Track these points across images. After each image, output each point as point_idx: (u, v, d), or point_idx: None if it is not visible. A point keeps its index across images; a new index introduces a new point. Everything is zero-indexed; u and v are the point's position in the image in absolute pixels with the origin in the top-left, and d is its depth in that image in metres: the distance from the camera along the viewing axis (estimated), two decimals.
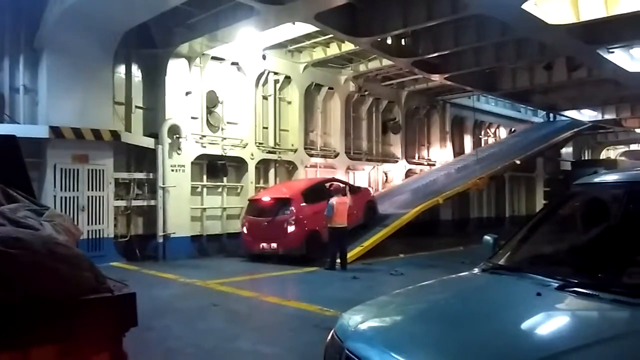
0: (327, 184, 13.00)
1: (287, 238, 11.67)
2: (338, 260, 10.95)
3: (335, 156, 17.72)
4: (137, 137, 12.66)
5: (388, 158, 20.03)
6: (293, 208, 11.81)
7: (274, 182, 15.82)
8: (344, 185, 12.67)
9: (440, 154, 22.07)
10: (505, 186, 24.42)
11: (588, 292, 2.31)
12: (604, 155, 34.58)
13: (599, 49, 12.02)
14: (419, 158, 21.43)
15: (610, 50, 12.38)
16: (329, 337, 2.77)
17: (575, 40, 11.21)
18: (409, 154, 20.66)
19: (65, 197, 11.22)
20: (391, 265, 11.35)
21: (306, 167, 16.61)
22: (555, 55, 14.59)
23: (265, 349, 5.55)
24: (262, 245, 11.93)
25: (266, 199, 12.66)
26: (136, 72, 13.05)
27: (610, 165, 23.44)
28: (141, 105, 13.07)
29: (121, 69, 12.76)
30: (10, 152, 3.53)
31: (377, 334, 2.48)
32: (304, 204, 11.98)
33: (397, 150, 20.23)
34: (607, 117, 23.25)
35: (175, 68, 12.96)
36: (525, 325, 2.23)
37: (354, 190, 13.34)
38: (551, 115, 26.19)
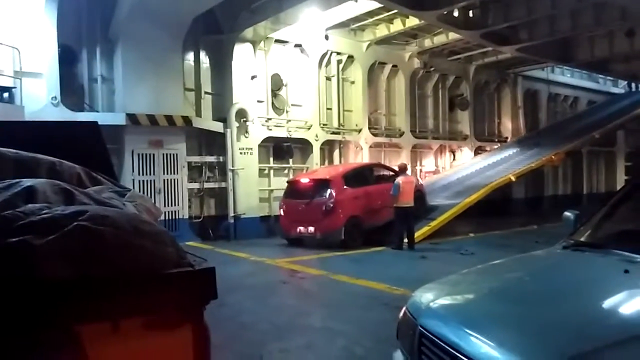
0: (371, 168, 12.77)
1: (325, 222, 11.11)
2: (405, 240, 10.85)
3: (401, 135, 17.45)
4: (207, 122, 13.07)
5: (455, 136, 19.47)
6: (333, 191, 11.28)
7: (340, 162, 15.85)
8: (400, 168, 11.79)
9: (512, 129, 21.12)
10: (582, 162, 23.08)
11: None
12: None
13: None
14: (488, 135, 20.66)
15: None
16: (402, 314, 2.77)
17: None
18: (477, 131, 19.96)
19: (143, 181, 11.80)
20: (460, 244, 11.09)
21: (370, 147, 16.49)
22: (638, 20, 13.48)
23: (336, 325, 5.62)
24: (299, 229, 11.43)
25: (305, 180, 12.16)
26: (204, 59, 13.43)
27: None
28: (210, 90, 13.47)
29: (190, 56, 13.16)
30: (93, 138, 3.72)
31: (451, 311, 2.45)
32: (345, 187, 11.47)
33: (465, 127, 19.60)
34: None
35: (241, 53, 13.21)
36: (611, 303, 2.12)
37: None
38: (633, 85, 24.33)
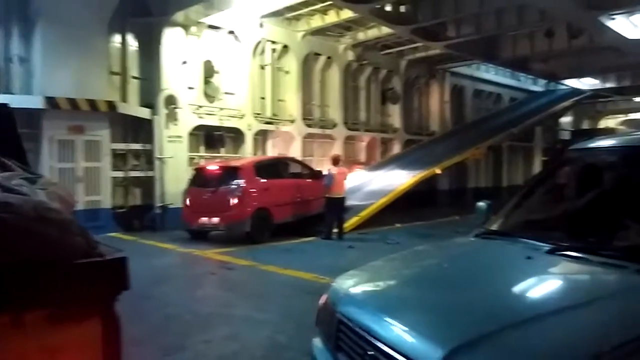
0: (286, 162, 12.68)
1: (230, 212, 10.41)
2: (335, 230, 11.01)
3: (334, 127, 17.63)
4: (134, 108, 12.56)
5: (387, 129, 19.93)
6: (242, 179, 10.63)
7: (272, 153, 15.80)
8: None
9: (439, 123, 21.89)
10: (503, 156, 24.37)
11: (578, 255, 2.32)
12: (603, 124, 34.44)
13: (600, 16, 11.85)
14: (417, 128, 21.31)
15: (612, 16, 12.19)
16: (322, 302, 2.81)
17: (576, 5, 11.03)
18: (407, 125, 20.53)
19: (62, 168, 11.18)
20: (387, 234, 11.41)
21: (304, 138, 16.55)
22: (556, 21, 14.38)
23: (259, 315, 5.63)
24: (202, 220, 10.65)
25: (213, 168, 11.49)
26: (132, 42, 12.86)
27: (610, 134, 23.35)
28: (137, 75, 12.93)
29: (117, 39, 12.57)
30: (4, 121, 3.48)
31: (368, 298, 2.51)
32: (256, 177, 10.90)
33: (395, 120, 20.10)
34: (607, 85, 23.10)
35: (171, 37, 12.79)
36: (514, 287, 2.26)
37: (315, 175, 12.39)
38: (551, 84, 25.96)
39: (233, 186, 10.59)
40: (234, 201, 10.45)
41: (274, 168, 11.92)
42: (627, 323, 1.75)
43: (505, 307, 2.05)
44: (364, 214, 12.65)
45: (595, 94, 24.84)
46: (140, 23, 12.72)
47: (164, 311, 5.89)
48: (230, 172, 10.95)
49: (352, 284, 2.65)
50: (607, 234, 2.46)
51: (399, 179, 14.93)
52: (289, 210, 11.34)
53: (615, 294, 1.96)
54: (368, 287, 2.63)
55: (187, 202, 11.14)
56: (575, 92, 24.60)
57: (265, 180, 11.05)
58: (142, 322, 5.49)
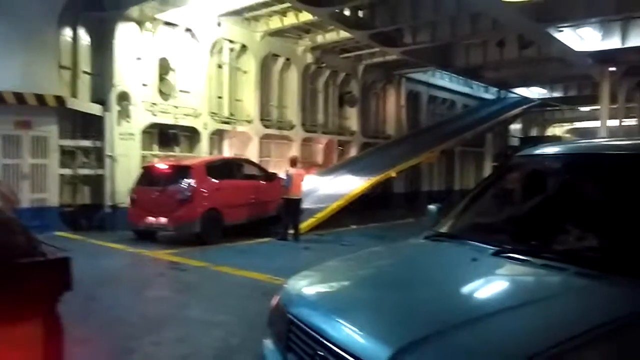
0: (239, 163, 12.46)
1: (179, 212, 10.05)
2: (291, 231, 11.01)
3: (291, 128, 17.62)
4: (84, 104, 12.14)
5: (344, 131, 20.08)
6: (192, 179, 10.31)
7: (228, 153, 15.64)
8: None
9: (395, 128, 22.24)
10: (455, 160, 25.02)
11: (521, 257, 2.41)
12: (550, 132, 35.94)
13: (548, 28, 12.37)
14: (374, 132, 21.58)
15: (559, 29, 12.75)
16: (274, 303, 2.80)
17: (526, 18, 11.48)
18: (364, 128, 20.76)
19: (6, 165, 10.74)
20: (343, 236, 11.51)
21: (261, 138, 16.47)
22: (508, 32, 14.91)
23: (213, 317, 5.55)
24: (150, 220, 10.26)
25: (162, 166, 11.14)
26: (84, 36, 12.41)
27: (556, 141, 24.41)
28: (89, 70, 12.49)
29: (68, 32, 12.10)
30: None
31: (319, 299, 2.52)
32: (207, 177, 10.64)
33: (353, 124, 20.29)
34: (554, 95, 24.12)
35: (125, 33, 12.44)
36: (459, 288, 2.32)
37: (270, 177, 12.21)
38: (502, 92, 26.89)
39: (183, 185, 10.28)
40: (183, 201, 10.13)
41: (227, 168, 11.64)
42: (564, 323, 1.82)
43: (450, 308, 2.11)
44: (320, 215, 12.72)
45: (544, 102, 25.93)
46: (93, 17, 12.31)
47: (110, 313, 5.73)
48: (180, 171, 10.62)
49: (303, 285, 2.66)
50: (549, 237, 2.57)
51: (355, 182, 15.06)
52: (241, 212, 11.08)
53: (555, 295, 2.05)
54: (319, 288, 2.64)
55: (134, 201, 10.76)
56: (525, 100, 25.59)
57: (216, 181, 10.76)
58: (87, 324, 5.30)
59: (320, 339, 2.16)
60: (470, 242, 2.75)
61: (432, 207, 3.41)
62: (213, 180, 10.74)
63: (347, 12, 13.42)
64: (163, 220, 10.18)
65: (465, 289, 2.32)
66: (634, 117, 21.77)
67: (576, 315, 1.89)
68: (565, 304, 1.99)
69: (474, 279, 2.41)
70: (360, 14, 13.76)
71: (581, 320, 1.81)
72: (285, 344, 2.47)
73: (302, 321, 2.36)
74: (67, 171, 11.95)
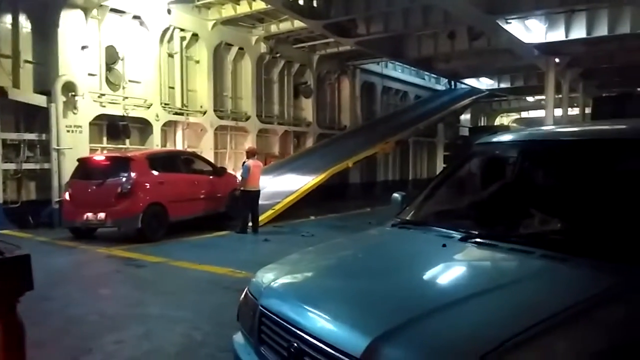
0: (186, 157, 11.99)
1: (119, 207, 9.47)
2: (250, 224, 10.90)
3: (247, 119, 17.40)
4: (27, 94, 11.51)
5: (300, 122, 20.03)
6: (133, 172, 9.73)
7: (182, 145, 15.30)
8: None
9: (350, 119, 22.37)
10: (409, 150, 25.46)
11: (488, 242, 2.47)
12: (498, 122, 37.16)
13: (497, 19, 12.71)
14: (330, 123, 21.63)
15: (508, 20, 13.14)
16: (243, 296, 2.76)
17: (476, 9, 11.75)
18: (320, 119, 20.77)
19: None
20: (302, 227, 11.51)
21: (216, 130, 16.20)
22: (458, 24, 15.23)
23: (174, 312, 5.43)
24: (87, 216, 9.58)
25: (99, 158, 10.60)
26: (24, 23, 11.72)
27: (504, 130, 25.25)
28: (31, 59, 11.83)
29: (7, 19, 11.42)
30: None
31: (289, 290, 2.50)
32: (149, 170, 10.09)
33: (308, 114, 20.25)
34: (502, 85, 24.92)
35: (69, 20, 11.84)
36: (429, 275, 2.35)
37: (219, 172, 11.81)
38: (452, 83, 27.53)
39: (122, 178, 9.67)
40: (123, 195, 9.53)
41: (171, 161, 11.09)
42: (531, 307, 1.87)
43: (422, 295, 2.14)
44: (278, 207, 12.64)
45: (492, 93, 26.73)
46: (35, 3, 11.65)
47: (66, 312, 5.50)
48: (120, 164, 10.04)
49: (273, 277, 2.63)
50: (514, 222, 2.64)
51: (311, 173, 15.03)
52: (187, 208, 10.57)
53: (522, 279, 2.11)
54: (290, 279, 2.62)
55: (68, 196, 10.09)
56: (474, 91, 26.29)
57: (159, 174, 10.23)
58: (43, 324, 5.09)
59: (295, 330, 2.15)
60: (437, 228, 2.79)
61: (396, 195, 3.45)
62: (156, 173, 10.20)
63: (301, 1, 13.32)
64: (101, 215, 9.52)
65: (436, 275, 2.36)
66: (577, 107, 22.81)
67: (542, 298, 1.95)
68: (532, 288, 2.05)
69: (444, 264, 2.45)
70: (315, 3, 13.69)
71: (547, 304, 1.86)
72: (258, 336, 2.44)
73: (275, 313, 2.34)
74: (10, 166, 11.33)
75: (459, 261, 2.47)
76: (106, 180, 9.77)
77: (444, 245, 2.49)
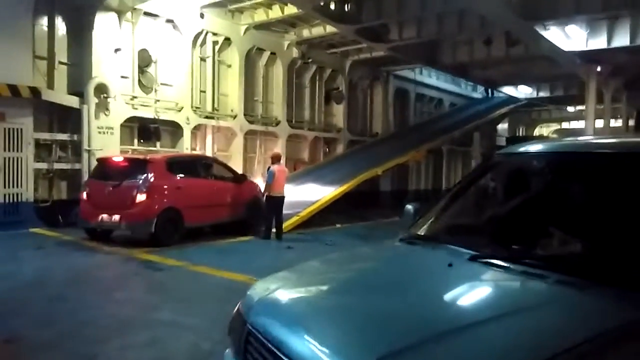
0: (206, 162, 11.75)
1: (133, 210, 9.28)
2: (274, 230, 10.77)
3: (277, 124, 17.37)
4: (61, 95, 11.77)
5: (330, 128, 19.87)
6: (150, 174, 9.53)
7: (212, 149, 15.36)
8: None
9: (382, 125, 22.05)
10: (443, 159, 24.93)
11: (500, 263, 2.22)
12: (537, 132, 36.08)
13: (535, 25, 12.26)
14: (361, 129, 21.39)
15: (547, 27, 12.66)
16: (235, 311, 2.59)
17: (513, 14, 11.35)
18: (351, 125, 20.56)
19: None
20: (327, 235, 11.31)
21: (246, 134, 16.21)
22: (495, 30, 14.78)
23: (185, 320, 5.31)
24: (102, 217, 9.43)
25: (118, 159, 10.43)
26: (60, 25, 12.03)
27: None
28: (65, 61, 12.11)
29: (43, 21, 11.72)
30: None
31: (281, 307, 2.31)
32: (167, 173, 9.91)
33: (339, 120, 20.08)
34: (541, 94, 24.13)
35: (104, 23, 12.09)
36: (431, 297, 2.11)
37: (238, 178, 11.45)
38: (489, 90, 26.86)
39: (139, 181, 9.46)
40: (139, 197, 9.29)
41: (191, 166, 10.85)
42: (539, 341, 1.63)
43: (420, 319, 1.92)
44: (304, 213, 12.48)
45: (530, 102, 25.92)
46: (71, 6, 11.93)
47: (78, 315, 5.46)
48: (138, 165, 9.84)
49: (266, 291, 2.45)
50: (530, 241, 2.38)
51: (339, 180, 14.80)
52: (204, 214, 10.27)
53: (532, 307, 1.84)
54: (282, 294, 2.42)
55: (85, 195, 9.93)
56: (512, 100, 25.57)
57: (177, 178, 10.03)
58: (53, 326, 5.07)
59: (278, 352, 1.96)
60: (446, 245, 2.55)
61: (409, 207, 3.22)
62: (174, 177, 10.01)
63: (332, 6, 13.19)
64: (116, 217, 9.34)
65: (438, 298, 2.11)
66: (620, 118, 21.84)
67: (553, 331, 1.70)
68: (542, 318, 1.79)
69: (448, 286, 2.20)
70: (346, 7, 13.53)
71: (558, 338, 1.62)
72: (244, 357, 2.26)
73: (261, 332, 2.16)
74: (42, 165, 11.60)
75: (463, 284, 2.21)
76: (123, 182, 9.59)
77: (450, 265, 2.26)
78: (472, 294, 2.17)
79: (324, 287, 2.53)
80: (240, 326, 2.35)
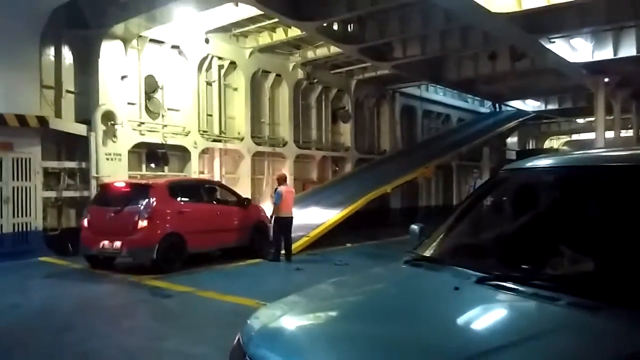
0: (209, 186, 11.67)
1: (135, 236, 9.09)
2: (283, 252, 10.66)
3: (284, 145, 17.37)
4: (68, 124, 11.85)
5: (338, 147, 19.84)
6: (152, 199, 9.40)
7: (220, 171, 15.37)
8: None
9: (390, 143, 21.98)
10: (453, 175, 24.73)
11: (508, 285, 2.11)
12: (547, 145, 35.78)
13: (540, 39, 12.21)
14: (368, 147, 21.33)
15: (552, 40, 12.59)
16: (235, 342, 2.49)
17: (517, 29, 11.31)
18: (358, 144, 20.51)
19: None
20: (337, 255, 11.17)
21: (253, 156, 16.22)
22: (499, 44, 14.75)
23: (192, 348, 5.21)
24: (103, 244, 9.25)
25: (120, 184, 10.27)
26: (67, 54, 12.17)
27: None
28: (72, 89, 12.22)
29: (50, 51, 11.86)
30: None
31: (279, 339, 2.21)
32: (169, 198, 9.76)
33: (346, 139, 20.05)
34: (550, 107, 23.97)
35: (110, 50, 12.20)
36: (436, 324, 2.00)
37: (242, 202, 11.12)
38: (497, 105, 26.74)
39: (140, 206, 9.32)
40: (140, 223, 9.11)
41: (193, 190, 10.76)
42: None
43: (425, 351, 1.81)
44: (314, 234, 12.37)
45: (539, 115, 25.75)
46: (77, 35, 12.09)
47: (85, 345, 5.38)
48: (140, 191, 9.75)
49: (265, 321, 2.36)
50: (540, 261, 2.27)
51: (348, 200, 14.69)
52: (207, 239, 10.06)
53: (544, 333, 1.73)
54: (280, 324, 2.32)
55: (86, 222, 9.78)
56: (520, 113, 25.41)
57: (180, 203, 9.92)
58: (57, 358, 4.99)
59: None
60: (452, 267, 2.45)
61: (414, 227, 3.12)
62: (176, 202, 9.89)
63: (335, 27, 13.26)
64: (117, 244, 9.15)
65: (444, 326, 2.00)
66: (630, 129, 21.59)
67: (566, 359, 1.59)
68: (554, 345, 1.68)
69: (455, 313, 2.09)
70: (349, 28, 13.60)
71: None
72: None
73: None
74: (51, 193, 11.63)
75: (471, 309, 2.11)
76: (124, 208, 9.45)
77: (457, 289, 2.15)
78: (479, 320, 2.06)
79: (325, 315, 2.43)
80: (240, 358, 2.26)
